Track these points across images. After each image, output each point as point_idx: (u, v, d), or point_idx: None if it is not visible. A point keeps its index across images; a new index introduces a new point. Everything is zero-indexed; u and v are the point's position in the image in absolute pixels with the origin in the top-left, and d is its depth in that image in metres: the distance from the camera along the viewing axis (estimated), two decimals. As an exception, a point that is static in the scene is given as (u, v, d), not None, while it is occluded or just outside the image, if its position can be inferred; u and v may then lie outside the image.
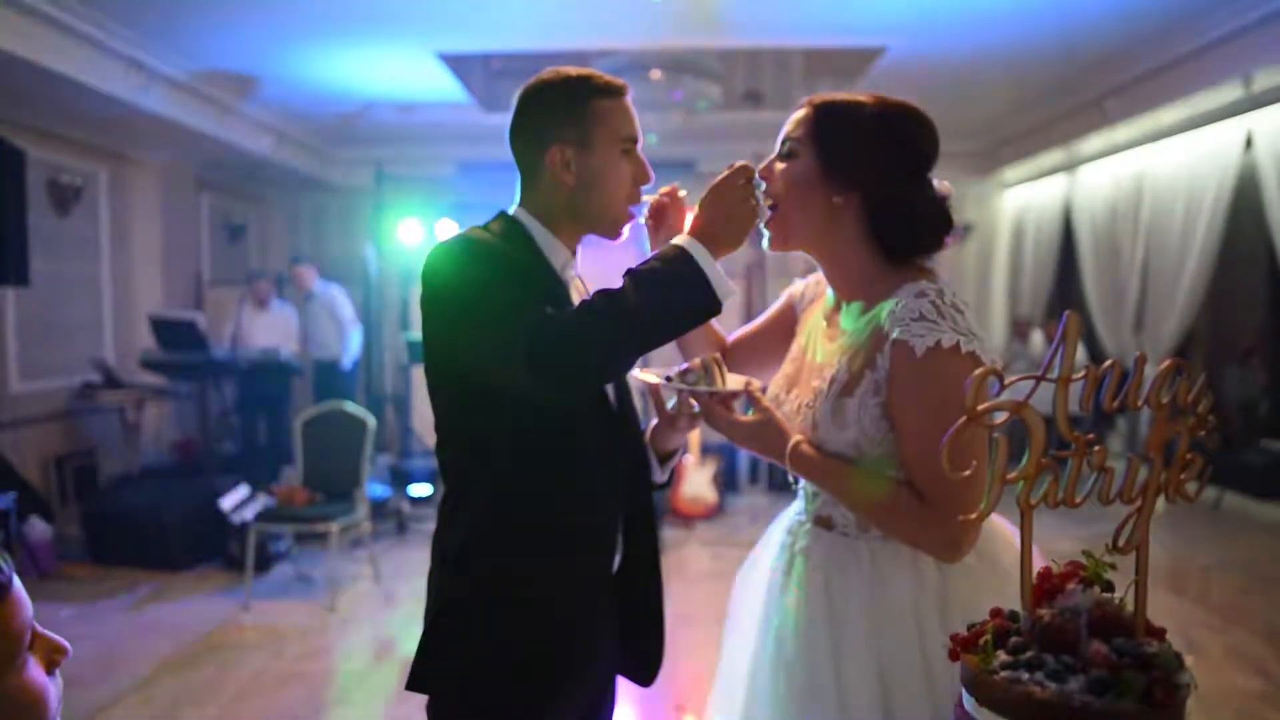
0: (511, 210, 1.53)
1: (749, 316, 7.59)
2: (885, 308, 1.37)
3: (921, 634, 1.35)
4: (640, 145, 1.51)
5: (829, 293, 1.56)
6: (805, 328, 1.61)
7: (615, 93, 1.49)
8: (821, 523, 1.50)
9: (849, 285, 1.49)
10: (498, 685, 1.42)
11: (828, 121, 1.44)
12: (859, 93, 1.47)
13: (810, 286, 1.67)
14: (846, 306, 1.50)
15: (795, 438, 1.43)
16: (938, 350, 1.30)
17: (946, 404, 1.12)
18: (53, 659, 0.96)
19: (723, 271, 1.34)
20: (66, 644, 0.97)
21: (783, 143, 1.48)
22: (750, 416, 1.48)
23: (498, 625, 1.42)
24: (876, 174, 1.41)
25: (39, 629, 0.94)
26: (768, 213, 1.43)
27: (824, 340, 1.52)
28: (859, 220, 1.43)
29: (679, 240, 1.35)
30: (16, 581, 0.91)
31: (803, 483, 1.54)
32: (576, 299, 1.52)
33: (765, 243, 1.49)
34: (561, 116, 1.47)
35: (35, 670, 0.92)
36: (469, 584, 1.44)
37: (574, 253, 1.54)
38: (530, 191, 1.51)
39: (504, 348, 1.29)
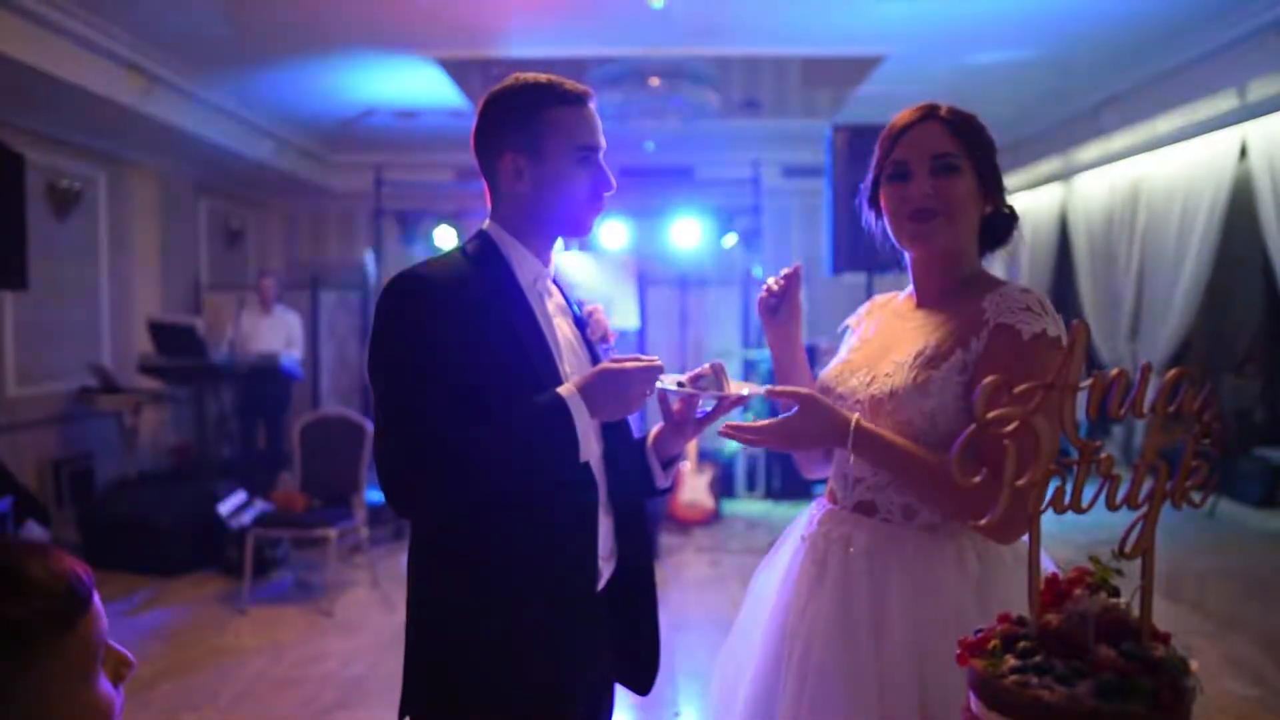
0: (486, 225, 1.54)
1: (746, 324, 7.62)
2: (984, 300, 1.44)
3: (962, 622, 1.36)
4: (602, 153, 1.51)
5: (898, 300, 1.65)
6: (869, 325, 1.68)
7: (574, 100, 1.48)
8: (863, 509, 1.52)
9: (948, 286, 1.54)
10: (484, 708, 1.42)
11: (974, 134, 1.51)
12: (939, 103, 1.54)
13: (868, 309, 1.75)
14: (928, 309, 1.55)
15: (854, 415, 1.45)
16: (1043, 337, 1.39)
17: None
18: (119, 672, 0.96)
19: (590, 432, 1.39)
20: (132, 657, 0.97)
21: (937, 158, 1.49)
22: (790, 416, 1.47)
23: (477, 648, 1.41)
24: (1000, 179, 1.53)
25: (110, 641, 0.94)
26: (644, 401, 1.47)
27: (900, 330, 1.57)
28: (981, 222, 1.54)
29: (564, 391, 1.39)
30: (96, 595, 0.91)
31: (840, 472, 1.57)
32: (552, 309, 1.53)
33: (910, 239, 1.53)
34: (514, 124, 1.47)
35: (105, 684, 0.92)
36: (443, 609, 1.45)
37: (547, 261, 1.55)
38: (495, 201, 1.53)
39: (376, 448, 1.39)
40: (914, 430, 1.43)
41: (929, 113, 1.51)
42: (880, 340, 1.59)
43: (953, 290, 1.52)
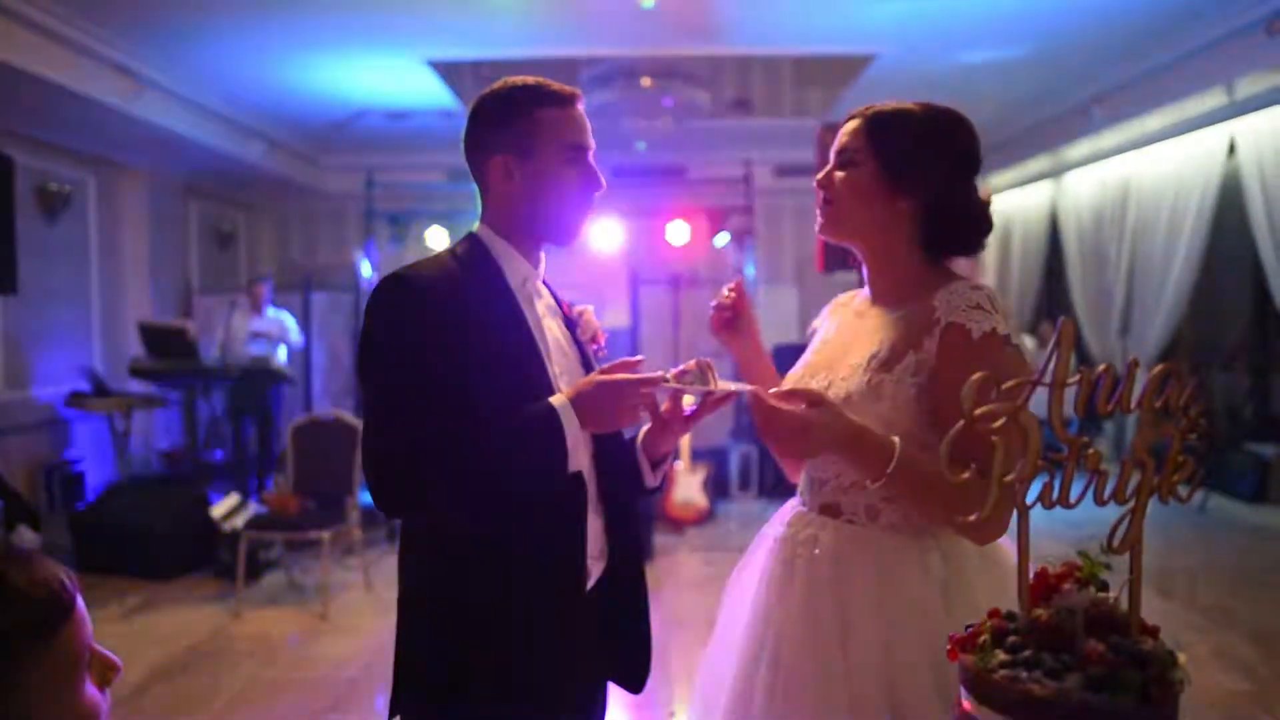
0: (476, 227, 1.54)
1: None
2: (935, 298, 1.43)
3: (928, 621, 1.37)
4: (591, 153, 1.52)
5: (857, 299, 1.64)
6: (831, 325, 1.68)
7: (562, 101, 1.49)
8: (828, 511, 1.52)
9: (891, 284, 1.55)
10: (473, 707, 1.42)
11: (883, 131, 1.50)
12: (904, 101, 1.53)
13: (831, 308, 1.75)
14: (883, 307, 1.55)
15: (897, 440, 1.37)
16: (994, 335, 1.38)
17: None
18: (105, 676, 0.95)
19: (581, 443, 1.40)
20: (119, 661, 0.97)
21: (840, 153, 1.53)
22: (822, 416, 1.38)
23: (466, 646, 1.42)
24: (935, 178, 1.48)
25: (96, 646, 0.94)
26: (645, 418, 1.48)
27: (857, 330, 1.56)
28: (914, 222, 1.50)
29: (556, 401, 1.39)
30: (80, 601, 0.91)
31: (806, 473, 1.57)
32: (542, 310, 1.53)
33: (817, 227, 1.57)
34: (504, 126, 1.48)
35: (90, 690, 0.92)
36: (432, 607, 1.45)
37: (537, 262, 1.56)
38: (486, 204, 1.53)
39: (365, 448, 1.39)
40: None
41: (857, 115, 1.54)
42: (840, 341, 1.59)
43: (903, 286, 1.51)
